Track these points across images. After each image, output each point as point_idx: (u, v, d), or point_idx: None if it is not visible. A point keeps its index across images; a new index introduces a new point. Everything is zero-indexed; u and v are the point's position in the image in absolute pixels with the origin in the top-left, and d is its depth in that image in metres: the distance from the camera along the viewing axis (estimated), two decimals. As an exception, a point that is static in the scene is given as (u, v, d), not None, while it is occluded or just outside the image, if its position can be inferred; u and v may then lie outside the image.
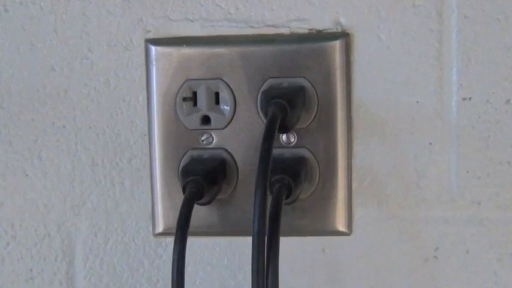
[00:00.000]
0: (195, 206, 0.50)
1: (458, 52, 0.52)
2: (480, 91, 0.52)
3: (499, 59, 0.52)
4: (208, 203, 0.50)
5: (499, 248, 0.54)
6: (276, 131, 0.45)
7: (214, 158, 0.53)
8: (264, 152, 0.43)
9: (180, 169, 0.52)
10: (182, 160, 0.54)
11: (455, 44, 0.52)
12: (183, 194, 0.47)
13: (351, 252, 0.55)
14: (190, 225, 0.53)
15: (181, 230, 0.44)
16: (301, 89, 0.51)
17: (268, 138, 0.44)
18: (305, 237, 0.55)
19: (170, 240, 0.55)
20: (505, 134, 0.52)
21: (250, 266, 0.43)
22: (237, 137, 0.53)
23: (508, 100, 0.52)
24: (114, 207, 0.56)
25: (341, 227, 0.54)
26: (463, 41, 0.52)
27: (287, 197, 0.47)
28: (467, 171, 0.53)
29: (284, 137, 0.53)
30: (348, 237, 0.55)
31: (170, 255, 0.55)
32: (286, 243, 0.55)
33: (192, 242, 0.56)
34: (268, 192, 0.47)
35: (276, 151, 0.52)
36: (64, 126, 0.56)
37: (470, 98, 0.52)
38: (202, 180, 0.48)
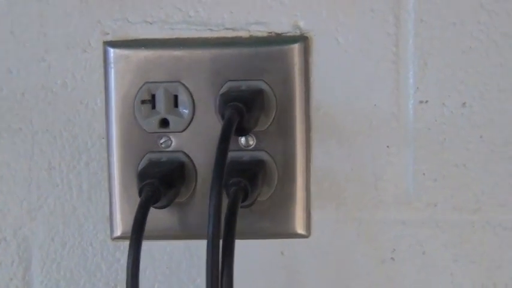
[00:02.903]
0: (154, 209, 0.50)
1: (415, 56, 0.53)
2: (436, 94, 0.53)
3: (454, 62, 0.52)
4: (165, 206, 0.50)
5: (455, 249, 0.55)
6: (232, 134, 0.45)
7: (173, 161, 0.53)
8: (219, 154, 0.43)
9: (137, 172, 0.52)
10: (140, 163, 0.53)
11: (411, 48, 0.52)
12: (140, 197, 0.47)
13: (309, 254, 0.55)
14: (149, 228, 0.52)
15: (136, 235, 0.44)
16: (259, 92, 0.51)
17: (224, 140, 0.44)
18: (264, 240, 0.55)
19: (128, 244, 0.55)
20: (461, 136, 0.53)
21: (207, 270, 0.43)
22: (195, 140, 0.53)
23: (464, 103, 0.53)
24: (71, 211, 0.56)
25: (300, 230, 0.54)
26: (420, 45, 0.52)
27: (244, 200, 0.47)
28: (424, 174, 0.54)
29: (243, 140, 0.53)
30: (306, 240, 0.55)
31: (129, 259, 0.55)
32: (244, 246, 0.55)
33: (150, 245, 0.55)
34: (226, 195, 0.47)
35: (234, 154, 0.53)
36: (20, 129, 0.55)
37: (426, 101, 0.53)
38: (158, 183, 0.47)
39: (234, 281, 0.55)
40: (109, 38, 0.53)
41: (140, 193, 0.47)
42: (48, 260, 0.56)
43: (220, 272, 0.43)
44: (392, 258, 0.55)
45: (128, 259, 0.44)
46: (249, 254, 0.55)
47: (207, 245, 0.43)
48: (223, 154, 0.44)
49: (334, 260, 0.55)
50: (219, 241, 0.43)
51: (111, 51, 0.53)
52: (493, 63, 0.52)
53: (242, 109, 0.46)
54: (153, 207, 0.49)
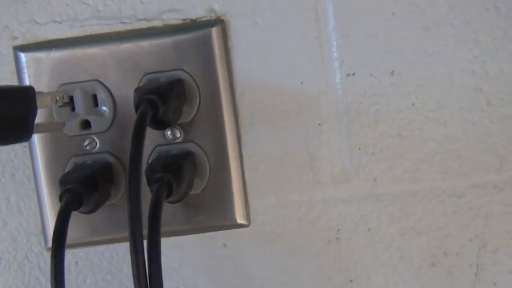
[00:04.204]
0: (83, 215, 0.48)
1: (336, 28, 0.51)
2: (363, 65, 0.51)
3: (378, 30, 0.51)
4: (93, 210, 0.48)
5: (400, 222, 0.53)
6: (145, 128, 0.43)
7: (99, 162, 0.51)
8: (133, 151, 0.41)
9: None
10: (66, 168, 0.51)
11: (332, 20, 0.51)
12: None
13: (252, 243, 0.54)
14: (83, 234, 0.51)
15: (57, 244, 0.42)
16: (177, 82, 0.49)
17: (137, 135, 0.42)
18: (205, 234, 0.53)
19: (66, 251, 0.53)
20: (393, 106, 0.52)
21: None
22: (121, 138, 0.51)
23: (392, 72, 0.51)
24: (2, 226, 0.54)
25: (239, 219, 0.53)
26: (340, 16, 0.51)
27: (169, 195, 0.45)
28: (359, 148, 0.52)
29: (169, 133, 0.51)
30: (247, 229, 0.53)
31: (68, 266, 0.53)
32: (186, 242, 0.54)
33: (87, 251, 0.54)
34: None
35: (163, 149, 0.51)
36: None
37: (353, 74, 0.51)
38: (79, 187, 0.46)
39: (179, 278, 0.54)
40: (19, 42, 0.51)
41: (61, 200, 0.45)
42: (-16, 279, 0.54)
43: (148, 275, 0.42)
44: (337, 238, 0.54)
45: (51, 269, 0.42)
46: (191, 250, 0.54)
47: (130, 248, 0.41)
48: (137, 151, 0.42)
49: (279, 246, 0.54)
50: (141, 242, 0.41)
51: (22, 56, 0.51)
52: (418, 27, 0.51)
53: (156, 101, 0.44)
54: (80, 212, 0.47)
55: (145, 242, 0.42)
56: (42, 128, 0.49)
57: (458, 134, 0.52)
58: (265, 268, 0.54)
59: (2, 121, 0.39)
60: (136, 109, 0.45)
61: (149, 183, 0.46)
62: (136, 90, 0.46)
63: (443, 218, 0.53)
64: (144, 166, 0.47)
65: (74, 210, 0.45)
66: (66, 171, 0.51)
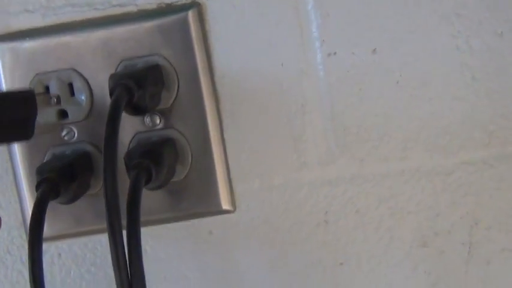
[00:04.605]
0: (65, 206, 0.47)
1: (315, 7, 0.50)
2: (344, 44, 0.50)
3: (358, 8, 0.50)
4: (71, 201, 0.47)
5: (388, 203, 0.52)
6: (121, 114, 0.42)
7: (77, 152, 0.50)
8: (107, 136, 0.40)
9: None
10: (45, 159, 0.50)
11: (311, -1, 0.50)
12: (37, 195, 0.44)
13: (239, 229, 0.53)
14: (65, 226, 0.50)
15: (33, 235, 0.41)
16: (154, 67, 0.48)
17: (112, 120, 0.41)
18: (190, 222, 0.52)
19: (48, 244, 0.52)
20: (376, 84, 0.50)
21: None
22: (99, 127, 0.50)
23: (374, 49, 0.50)
24: (-18, 221, 0.53)
25: (224, 205, 0.52)
26: (319, -5, 0.50)
27: (148, 181, 0.44)
28: (344, 129, 0.51)
29: (148, 119, 0.50)
30: (233, 215, 0.52)
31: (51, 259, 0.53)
32: (170, 231, 0.53)
33: (70, 243, 0.53)
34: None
35: (142, 136, 0.50)
36: None
37: (335, 53, 0.50)
38: (57, 177, 0.45)
39: (165, 268, 0.53)
40: (-9, 33, 0.51)
41: (37, 190, 0.44)
42: (-32, 275, 0.54)
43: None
44: (325, 221, 0.53)
45: (29, 262, 0.41)
46: (176, 239, 0.53)
47: (109, 237, 0.40)
48: (112, 137, 0.41)
49: (266, 231, 0.53)
50: (120, 231, 0.41)
51: (-4, 46, 0.50)
52: (399, 3, 0.49)
53: (130, 86, 0.43)
54: (58, 203, 0.46)
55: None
56: (41, 130, 0.49)
57: (444, 110, 0.51)
58: (252, 254, 0.53)
59: (5, 125, 0.40)
60: (111, 95, 0.44)
61: (128, 170, 0.45)
62: (111, 76, 0.45)
63: (432, 196, 0.52)
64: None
65: (52, 200, 0.44)
66: (44, 161, 0.50)
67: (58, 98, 0.49)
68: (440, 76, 0.50)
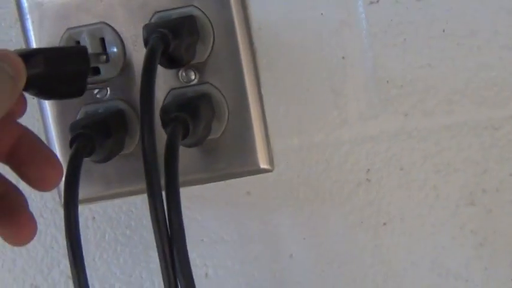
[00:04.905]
0: (97, 167, 0.46)
1: (356, -47, 0.47)
2: (387, -8, 0.48)
3: (401, -46, 0.47)
4: (106, 159, 0.45)
5: (434, 159, 0.50)
6: (157, 63, 0.40)
7: (111, 110, 0.48)
8: (144, 88, 0.38)
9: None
10: (77, 118, 0.49)
11: None
12: (71, 150, 0.42)
13: (277, 189, 0.51)
14: (99, 188, 0.49)
15: (69, 192, 0.39)
16: (189, 18, 0.46)
17: (148, 70, 0.39)
18: (226, 182, 0.50)
19: (82, 207, 0.50)
20: (421, 34, 0.48)
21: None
22: (132, 83, 0.48)
23: (419, -3, 0.48)
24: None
25: (262, 164, 0.50)
26: None
27: (185, 136, 0.42)
28: (387, 81, 0.49)
29: (183, 74, 0.48)
30: (271, 174, 0.50)
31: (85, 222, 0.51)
32: (207, 191, 0.51)
33: (105, 206, 0.51)
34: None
35: (177, 92, 0.48)
36: None
37: (377, 1, 0.48)
38: (92, 133, 0.43)
39: (202, 231, 0.51)
40: (19, -13, 0.49)
41: (71, 146, 0.42)
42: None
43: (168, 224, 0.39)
44: (368, 180, 0.50)
45: (64, 222, 0.39)
46: (213, 199, 0.51)
47: (148, 199, 0.38)
48: (149, 86, 0.39)
49: (305, 192, 0.51)
50: (159, 188, 0.39)
51: (24, 2, 0.48)
52: None
53: (167, 35, 0.41)
54: (92, 161, 0.44)
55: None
56: (92, 86, 0.48)
57: (493, 60, 0.48)
58: (291, 216, 0.51)
59: (60, 79, 0.39)
60: (146, 45, 0.42)
61: (164, 125, 0.43)
62: (146, 26, 0.43)
63: (480, 152, 0.49)
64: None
65: (86, 157, 0.42)
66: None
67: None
68: (489, 24, 0.47)
